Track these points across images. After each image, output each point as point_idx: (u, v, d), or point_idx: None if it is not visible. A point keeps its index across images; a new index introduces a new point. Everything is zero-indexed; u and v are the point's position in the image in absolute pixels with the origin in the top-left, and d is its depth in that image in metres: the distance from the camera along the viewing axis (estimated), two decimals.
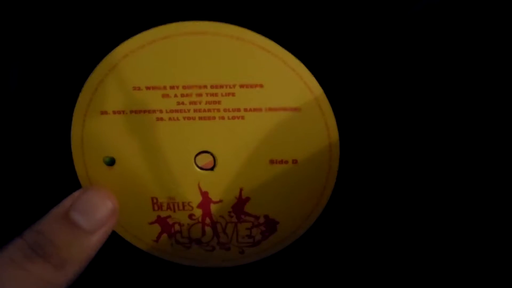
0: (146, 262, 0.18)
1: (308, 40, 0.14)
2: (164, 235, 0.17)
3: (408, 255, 0.17)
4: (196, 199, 0.17)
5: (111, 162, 0.16)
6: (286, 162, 0.16)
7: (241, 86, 0.15)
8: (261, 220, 0.17)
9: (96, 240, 0.14)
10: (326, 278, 0.18)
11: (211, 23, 0.14)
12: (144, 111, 0.15)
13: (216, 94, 0.15)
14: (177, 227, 0.17)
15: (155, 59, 0.14)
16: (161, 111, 0.15)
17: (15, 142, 0.16)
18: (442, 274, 0.17)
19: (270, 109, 0.15)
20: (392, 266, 0.18)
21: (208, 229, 0.17)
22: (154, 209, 0.17)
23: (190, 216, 0.17)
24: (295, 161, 0.16)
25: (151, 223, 0.17)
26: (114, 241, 0.17)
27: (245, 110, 0.15)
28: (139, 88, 0.15)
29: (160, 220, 0.17)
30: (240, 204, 0.17)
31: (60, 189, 0.16)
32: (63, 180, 0.16)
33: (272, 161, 0.16)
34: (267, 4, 0.14)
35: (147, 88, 0.15)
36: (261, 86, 0.15)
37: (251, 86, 0.15)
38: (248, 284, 0.18)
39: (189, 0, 0.14)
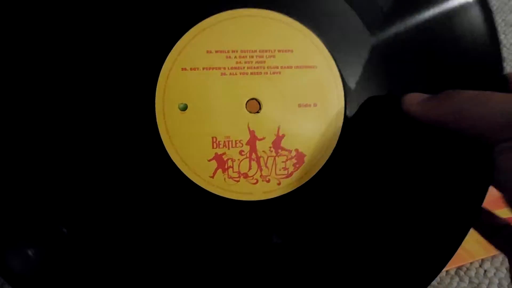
0: (201, 197, 0.22)
1: (321, 22, 0.23)
2: (219, 171, 0.22)
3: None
4: (246, 137, 0.22)
5: (184, 108, 0.22)
6: (309, 105, 0.23)
7: (279, 51, 0.22)
8: (293, 153, 0.23)
9: None
10: (346, 200, 0.23)
11: (261, 10, 0.22)
12: (213, 68, 0.22)
13: (262, 56, 0.22)
14: (230, 163, 0.22)
15: (223, 32, 0.22)
16: (224, 68, 0.22)
17: (113, 91, 0.21)
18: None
19: (297, 67, 0.22)
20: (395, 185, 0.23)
21: (253, 163, 0.22)
22: (213, 147, 0.22)
23: (240, 152, 0.22)
24: (315, 105, 0.23)
25: (210, 159, 0.22)
26: (177, 178, 0.21)
27: (281, 67, 0.22)
28: (210, 52, 0.22)
29: (217, 157, 0.22)
30: (278, 140, 0.22)
31: (141, 132, 0.21)
32: (144, 124, 0.21)
33: (300, 105, 0.22)
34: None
35: (216, 51, 0.22)
36: (292, 51, 0.22)
37: (285, 51, 0.22)
38: (284, 213, 0.23)
39: None
